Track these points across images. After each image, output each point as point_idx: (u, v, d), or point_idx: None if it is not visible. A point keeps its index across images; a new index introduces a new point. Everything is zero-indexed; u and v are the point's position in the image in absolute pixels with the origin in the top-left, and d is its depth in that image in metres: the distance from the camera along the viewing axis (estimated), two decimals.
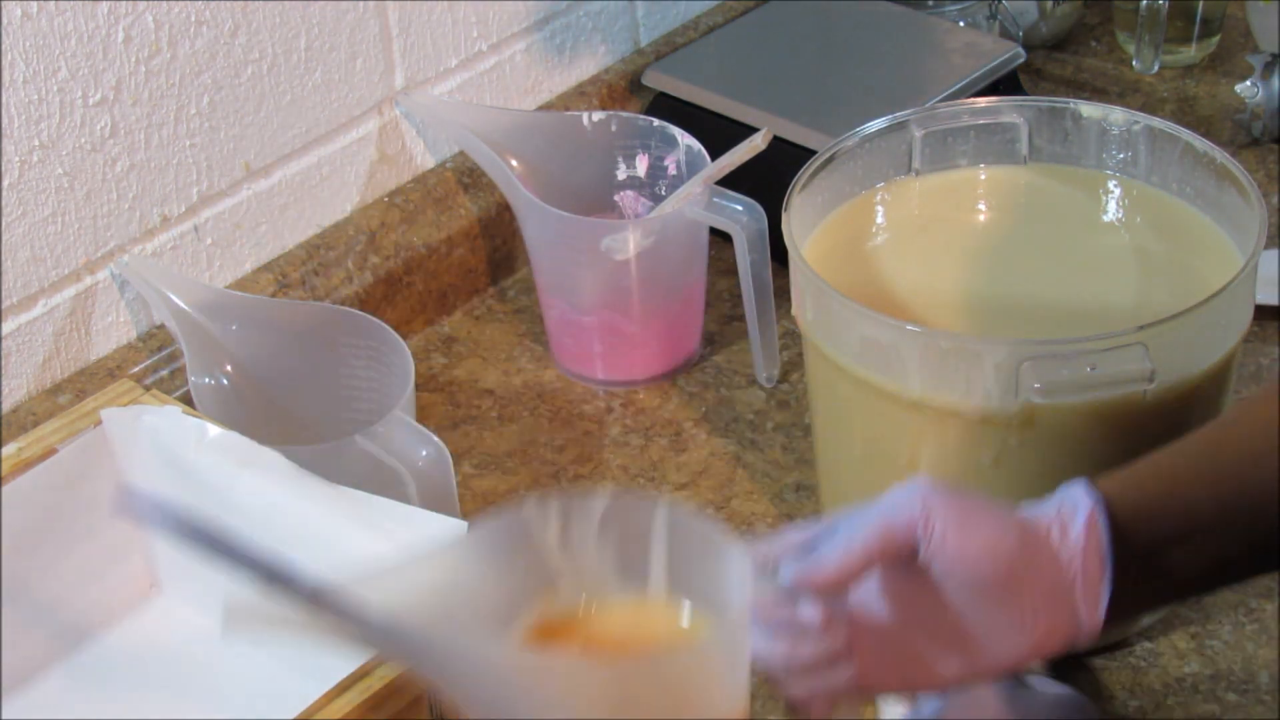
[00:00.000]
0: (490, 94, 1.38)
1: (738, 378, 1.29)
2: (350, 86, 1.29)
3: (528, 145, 1.30)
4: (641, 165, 1.31)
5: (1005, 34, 1.51)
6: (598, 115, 1.31)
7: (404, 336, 1.22)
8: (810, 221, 1.12)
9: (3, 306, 1.13)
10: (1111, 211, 1.14)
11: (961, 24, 1.49)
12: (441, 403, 1.28)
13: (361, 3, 1.27)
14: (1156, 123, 1.12)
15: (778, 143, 1.27)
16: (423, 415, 1.25)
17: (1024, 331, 1.03)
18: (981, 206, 1.15)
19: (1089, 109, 1.14)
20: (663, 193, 1.30)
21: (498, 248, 1.38)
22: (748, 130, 1.27)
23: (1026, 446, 0.99)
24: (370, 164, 1.32)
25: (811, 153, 1.13)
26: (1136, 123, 1.13)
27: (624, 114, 1.31)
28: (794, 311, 1.08)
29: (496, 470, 1.22)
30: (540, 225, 1.26)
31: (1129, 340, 0.97)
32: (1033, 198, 1.15)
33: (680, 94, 1.40)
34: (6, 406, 1.15)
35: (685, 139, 1.29)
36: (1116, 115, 1.14)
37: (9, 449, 1.02)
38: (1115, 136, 1.14)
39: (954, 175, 1.16)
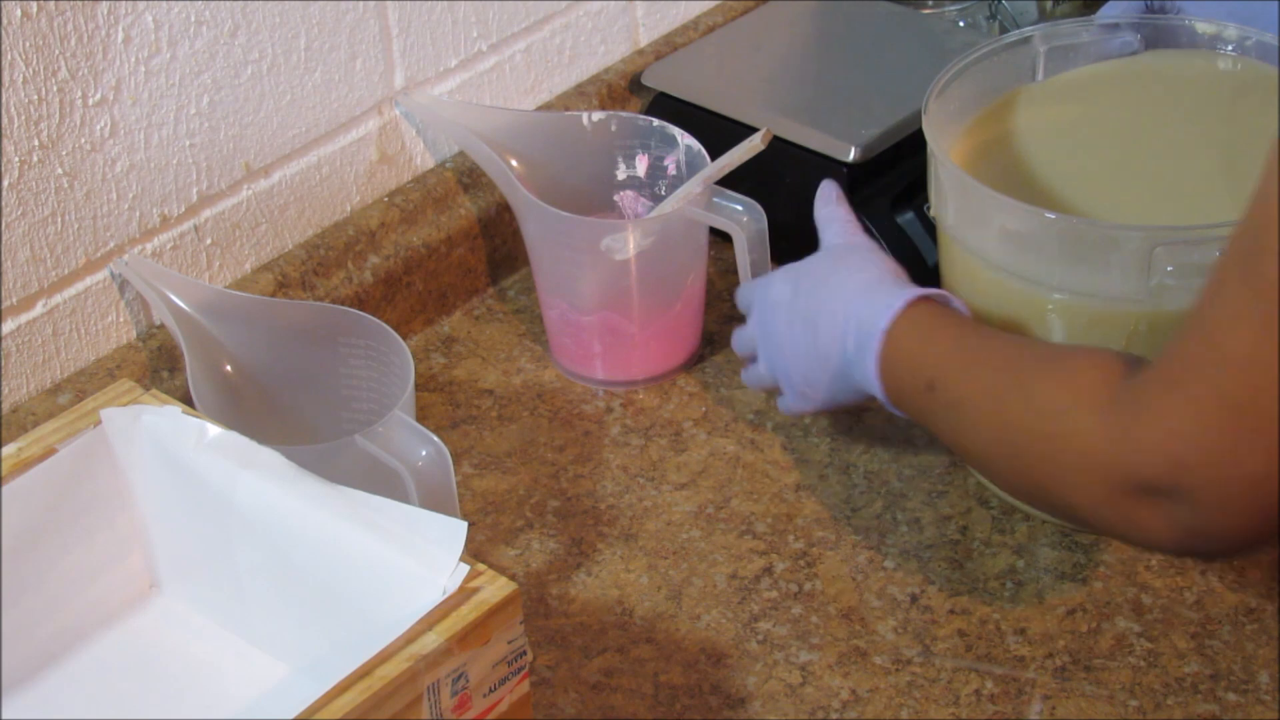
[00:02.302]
0: (490, 94, 1.38)
1: (738, 378, 1.28)
2: (350, 86, 1.29)
3: (528, 145, 1.30)
4: (641, 165, 1.31)
5: (1005, 34, 1.51)
6: (598, 115, 1.31)
7: (404, 336, 1.22)
8: (945, 128, 1.15)
9: (3, 306, 1.13)
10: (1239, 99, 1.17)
11: (961, 24, 1.49)
12: (441, 403, 1.28)
13: (361, 3, 1.27)
14: (1269, 37, 1.15)
15: (777, 143, 1.27)
16: (423, 415, 1.25)
17: (1157, 219, 1.07)
18: (1110, 102, 1.19)
19: (1204, 25, 1.17)
20: (663, 193, 1.30)
21: (498, 248, 1.38)
22: (748, 130, 1.27)
23: (1155, 332, 1.04)
24: (370, 164, 1.32)
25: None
26: (1249, 38, 1.16)
27: (624, 114, 1.31)
28: (933, 212, 1.13)
29: (496, 470, 1.22)
30: (540, 225, 1.26)
31: None
32: (1161, 89, 1.18)
33: (680, 94, 1.40)
34: (6, 406, 1.15)
35: (685, 139, 1.29)
36: (1230, 31, 1.17)
37: (9, 449, 1.02)
38: (1229, 54, 1.16)
39: (1081, 73, 1.20)
